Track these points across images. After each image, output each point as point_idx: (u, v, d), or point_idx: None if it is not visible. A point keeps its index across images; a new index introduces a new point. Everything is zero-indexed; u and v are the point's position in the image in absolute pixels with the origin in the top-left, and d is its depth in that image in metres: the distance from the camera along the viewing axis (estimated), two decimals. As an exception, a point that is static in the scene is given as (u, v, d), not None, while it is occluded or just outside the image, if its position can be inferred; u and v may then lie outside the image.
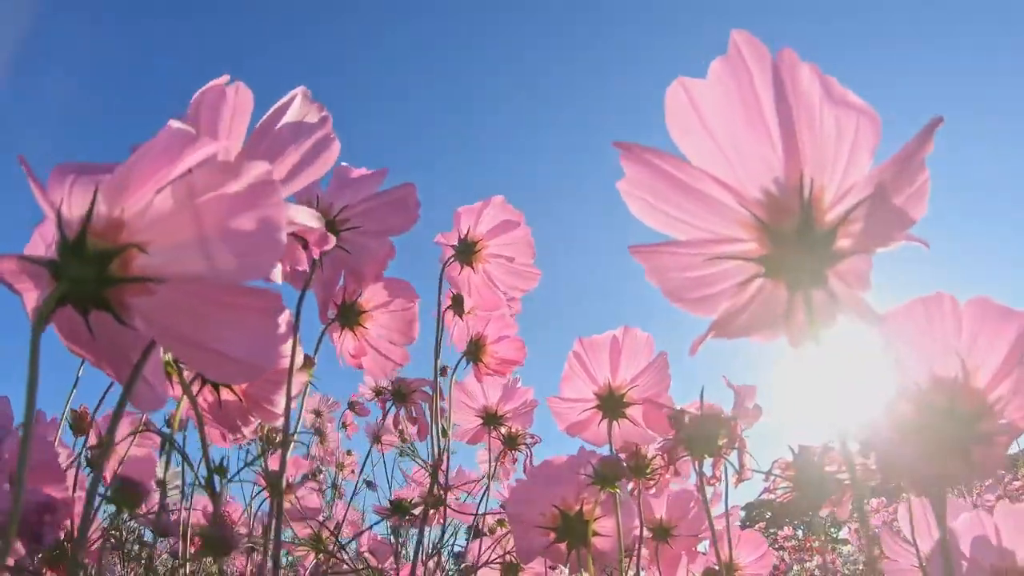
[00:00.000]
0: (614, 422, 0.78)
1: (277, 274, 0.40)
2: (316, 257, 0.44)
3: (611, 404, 0.78)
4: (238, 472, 0.65)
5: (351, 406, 1.71)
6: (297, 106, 0.40)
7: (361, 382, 1.47)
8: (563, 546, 0.72)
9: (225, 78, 0.36)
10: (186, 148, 0.29)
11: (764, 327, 0.37)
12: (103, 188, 0.30)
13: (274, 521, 0.60)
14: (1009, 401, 0.40)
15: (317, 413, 1.94)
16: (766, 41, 0.32)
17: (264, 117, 0.39)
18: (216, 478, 0.80)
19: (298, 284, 0.66)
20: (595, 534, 0.72)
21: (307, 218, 0.38)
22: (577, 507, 0.73)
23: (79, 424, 0.90)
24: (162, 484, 0.74)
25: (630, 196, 0.34)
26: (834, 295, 0.35)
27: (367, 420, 1.60)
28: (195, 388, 0.62)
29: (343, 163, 0.65)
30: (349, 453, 2.03)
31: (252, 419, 0.65)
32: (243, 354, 0.30)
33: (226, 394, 0.62)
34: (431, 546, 1.02)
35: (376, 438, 1.41)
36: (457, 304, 0.93)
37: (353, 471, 1.88)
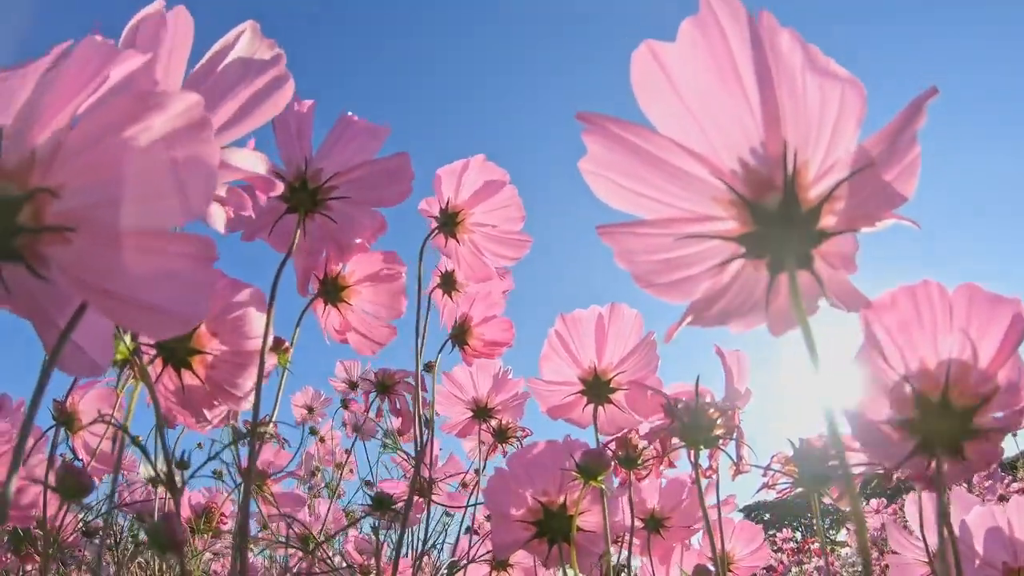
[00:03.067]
0: (600, 406, 0.74)
1: (218, 221, 0.37)
2: (263, 203, 0.41)
3: (596, 389, 0.75)
4: (201, 466, 0.61)
5: (344, 404, 1.67)
6: (246, 42, 0.37)
7: (332, 376, 1.43)
8: (544, 542, 0.68)
9: (162, 3, 0.32)
10: (107, 63, 0.26)
11: (744, 314, 0.35)
12: (12, 120, 0.27)
13: (239, 513, 0.57)
14: (1006, 392, 0.38)
15: (309, 409, 1.89)
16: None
17: (208, 53, 0.36)
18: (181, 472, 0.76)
19: (280, 247, 0.63)
20: (579, 530, 0.68)
21: (251, 162, 0.35)
22: (560, 500, 0.69)
23: (61, 414, 0.87)
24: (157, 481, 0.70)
25: (593, 176, 0.32)
26: (819, 277, 0.33)
27: (350, 412, 1.57)
28: (155, 371, 0.58)
29: (348, 112, 0.63)
30: (348, 452, 2.00)
31: (217, 405, 0.61)
32: (171, 304, 0.28)
33: (189, 378, 0.59)
34: (419, 546, 0.98)
35: (356, 428, 1.37)
36: (447, 283, 0.89)
37: (352, 471, 1.84)
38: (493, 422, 1.07)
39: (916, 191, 0.30)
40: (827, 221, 0.32)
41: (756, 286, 0.34)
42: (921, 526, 0.68)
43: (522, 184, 0.81)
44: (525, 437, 1.10)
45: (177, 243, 0.27)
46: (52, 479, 0.61)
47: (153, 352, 0.58)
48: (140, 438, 1.36)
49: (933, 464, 0.40)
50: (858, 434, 0.42)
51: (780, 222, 0.31)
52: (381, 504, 0.91)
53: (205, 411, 0.61)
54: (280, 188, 0.41)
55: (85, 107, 0.28)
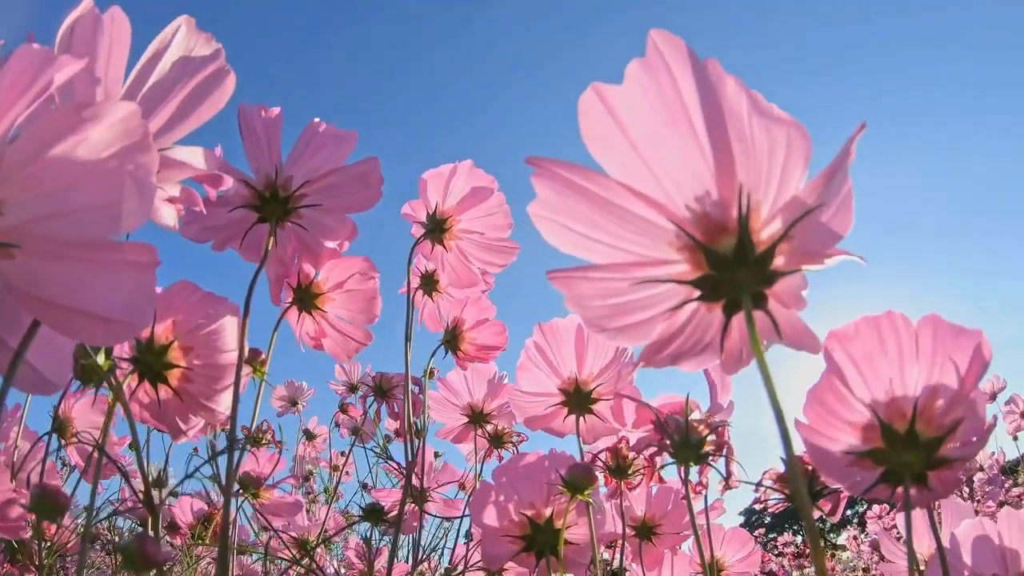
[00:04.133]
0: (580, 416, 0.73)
1: (169, 220, 0.36)
2: (213, 198, 0.40)
3: (578, 400, 0.74)
4: (179, 484, 0.60)
5: (342, 408, 1.66)
6: (182, 38, 0.36)
7: (333, 379, 1.42)
8: (532, 555, 0.67)
9: (91, 2, 0.31)
10: (44, 71, 0.26)
11: (696, 354, 0.36)
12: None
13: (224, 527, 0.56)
14: (968, 422, 0.39)
15: (292, 402, 1.85)
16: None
17: (146, 53, 0.35)
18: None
19: (251, 257, 0.62)
20: (567, 543, 0.67)
21: (197, 159, 0.34)
22: (547, 513, 0.68)
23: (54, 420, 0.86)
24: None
25: (543, 220, 0.31)
26: (773, 317, 0.33)
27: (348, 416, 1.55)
28: (131, 385, 0.57)
29: (315, 119, 0.62)
30: (344, 455, 1.98)
31: (194, 418, 0.60)
32: (116, 313, 0.28)
33: (165, 392, 0.58)
34: (418, 552, 0.97)
35: (355, 431, 1.36)
36: (427, 284, 0.87)
37: (348, 473, 1.83)
38: (489, 427, 1.06)
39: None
40: (778, 261, 0.32)
41: (710, 327, 0.34)
42: (910, 537, 0.67)
43: (505, 188, 0.80)
44: (521, 442, 1.09)
45: (119, 252, 0.27)
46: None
47: (129, 367, 0.57)
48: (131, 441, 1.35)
49: (899, 490, 0.40)
50: (819, 462, 0.42)
51: (735, 265, 0.31)
52: (372, 514, 0.89)
53: (181, 424, 0.60)
54: (228, 182, 0.41)
55: (24, 118, 0.28)
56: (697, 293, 0.33)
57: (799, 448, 0.41)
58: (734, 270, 0.31)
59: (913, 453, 0.38)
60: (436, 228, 0.80)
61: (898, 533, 0.77)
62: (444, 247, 0.81)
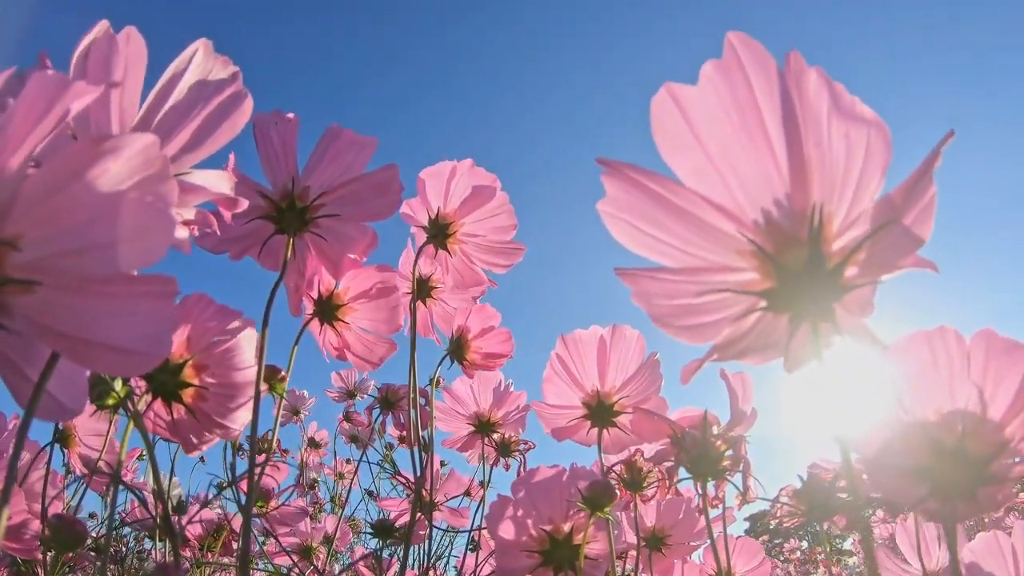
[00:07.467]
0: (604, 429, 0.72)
1: (184, 244, 0.35)
2: (228, 220, 0.39)
3: (600, 413, 0.73)
4: (199, 511, 0.59)
5: (347, 417, 1.65)
6: (200, 61, 0.35)
7: (329, 387, 1.41)
8: (549, 569, 0.66)
9: (106, 24, 0.30)
10: (58, 99, 0.25)
11: (761, 352, 0.35)
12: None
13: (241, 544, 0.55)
14: (1022, 438, 0.38)
15: (295, 411, 1.85)
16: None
17: (163, 77, 0.34)
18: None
19: (270, 265, 0.61)
20: (586, 558, 0.66)
21: (214, 182, 0.33)
22: (566, 527, 0.67)
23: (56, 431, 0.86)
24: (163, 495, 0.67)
25: (612, 219, 0.31)
26: (837, 324, 0.33)
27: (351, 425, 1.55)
28: (145, 402, 0.56)
29: (335, 123, 0.60)
30: (349, 462, 1.97)
31: (208, 436, 0.59)
32: (136, 344, 0.27)
33: (179, 410, 0.56)
34: (425, 560, 0.96)
35: (355, 439, 1.35)
36: (420, 289, 0.85)
37: (356, 481, 1.82)
38: (495, 436, 1.04)
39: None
40: (850, 273, 0.31)
41: (775, 329, 0.34)
42: (919, 549, 0.66)
43: (508, 184, 0.77)
44: (528, 450, 1.08)
45: (138, 283, 0.27)
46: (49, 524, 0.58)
47: (144, 386, 0.56)
48: (142, 452, 1.35)
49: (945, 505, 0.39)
50: (872, 475, 0.41)
51: (805, 280, 0.31)
52: (383, 531, 0.88)
53: (195, 439, 0.59)
54: (244, 205, 0.40)
55: (41, 148, 0.27)
56: (763, 303, 0.32)
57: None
58: (802, 284, 0.31)
59: (962, 471, 0.38)
60: (439, 234, 0.77)
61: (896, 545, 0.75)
62: (448, 252, 0.78)
